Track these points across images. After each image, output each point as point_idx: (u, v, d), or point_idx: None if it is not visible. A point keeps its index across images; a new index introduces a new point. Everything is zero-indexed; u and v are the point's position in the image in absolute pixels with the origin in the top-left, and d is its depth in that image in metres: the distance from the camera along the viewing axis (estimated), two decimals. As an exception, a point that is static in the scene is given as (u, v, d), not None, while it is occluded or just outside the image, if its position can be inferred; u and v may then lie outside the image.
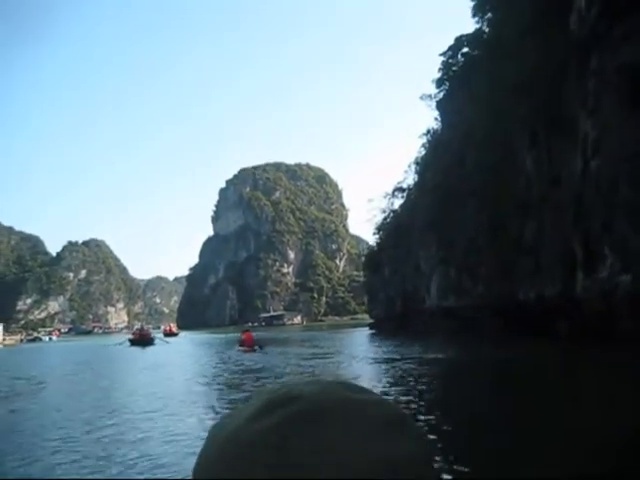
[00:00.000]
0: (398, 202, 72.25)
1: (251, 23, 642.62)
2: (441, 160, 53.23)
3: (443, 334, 43.04)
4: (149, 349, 59.51)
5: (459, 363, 24.95)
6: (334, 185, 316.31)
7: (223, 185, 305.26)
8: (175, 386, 21.88)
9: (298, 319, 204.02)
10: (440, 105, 61.48)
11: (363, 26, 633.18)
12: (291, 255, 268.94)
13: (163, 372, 29.72)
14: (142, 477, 9.08)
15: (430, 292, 54.91)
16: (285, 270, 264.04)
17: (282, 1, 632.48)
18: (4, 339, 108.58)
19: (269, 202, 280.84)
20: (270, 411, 0.65)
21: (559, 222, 29.25)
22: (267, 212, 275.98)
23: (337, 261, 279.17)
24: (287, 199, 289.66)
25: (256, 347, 42.31)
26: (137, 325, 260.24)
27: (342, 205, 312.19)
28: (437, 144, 59.65)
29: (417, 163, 67.59)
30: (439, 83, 62.04)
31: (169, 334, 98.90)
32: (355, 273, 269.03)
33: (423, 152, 66.64)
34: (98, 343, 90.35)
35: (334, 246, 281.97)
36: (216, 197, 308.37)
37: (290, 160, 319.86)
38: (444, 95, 61.05)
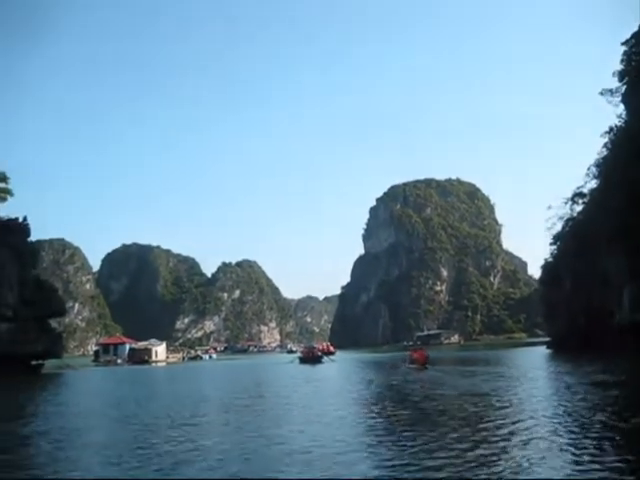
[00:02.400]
0: (574, 209, 66.88)
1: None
2: (630, 158, 47.69)
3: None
4: (318, 367, 58.26)
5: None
6: (486, 200, 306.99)
7: (373, 203, 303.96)
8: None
9: (455, 338, 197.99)
10: (626, 99, 55.53)
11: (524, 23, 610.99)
12: (444, 272, 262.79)
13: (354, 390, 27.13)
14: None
15: (622, 306, 49.20)
16: (438, 288, 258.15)
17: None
18: (167, 357, 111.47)
19: (420, 219, 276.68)
20: None
21: None
22: (418, 229, 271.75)
23: (491, 278, 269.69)
24: (438, 215, 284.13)
25: (427, 365, 41.75)
26: (289, 344, 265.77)
27: (494, 220, 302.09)
28: (622, 142, 53.82)
29: (597, 165, 61.71)
30: (621, 75, 56.28)
31: (326, 353, 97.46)
32: (510, 290, 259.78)
33: (605, 152, 60.52)
34: (266, 361, 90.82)
35: (488, 263, 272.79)
36: (366, 215, 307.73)
37: (440, 176, 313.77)
38: (627, 88, 55.27)
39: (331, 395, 26.02)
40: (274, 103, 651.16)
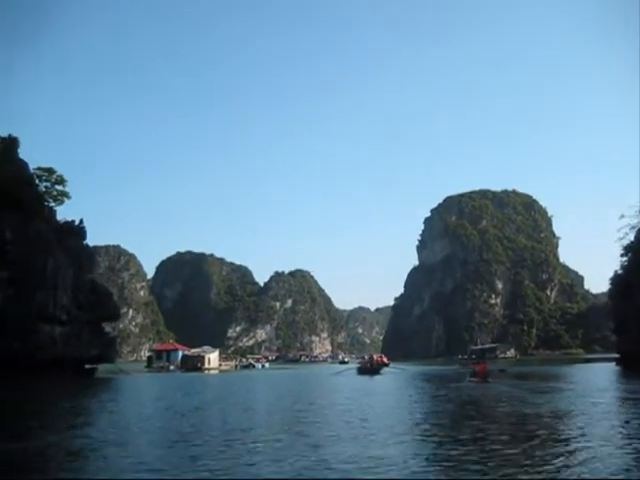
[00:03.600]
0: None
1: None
2: None
3: None
4: (377, 378, 56.77)
5: None
6: (543, 212, 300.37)
7: (428, 214, 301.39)
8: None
9: (511, 352, 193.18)
10: None
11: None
12: (499, 285, 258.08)
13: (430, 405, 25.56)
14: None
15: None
16: (493, 301, 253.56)
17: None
18: (220, 364, 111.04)
19: (475, 231, 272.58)
20: None
21: None
22: (474, 241, 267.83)
23: (547, 292, 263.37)
24: (494, 227, 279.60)
25: (489, 379, 40.88)
26: (340, 355, 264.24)
27: (552, 233, 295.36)
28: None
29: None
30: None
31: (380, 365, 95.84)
32: (567, 304, 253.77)
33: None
34: (320, 372, 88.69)
35: (544, 276, 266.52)
36: (421, 226, 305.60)
37: (496, 187, 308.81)
38: None
39: (404, 409, 24.33)
40: (334, 111, 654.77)
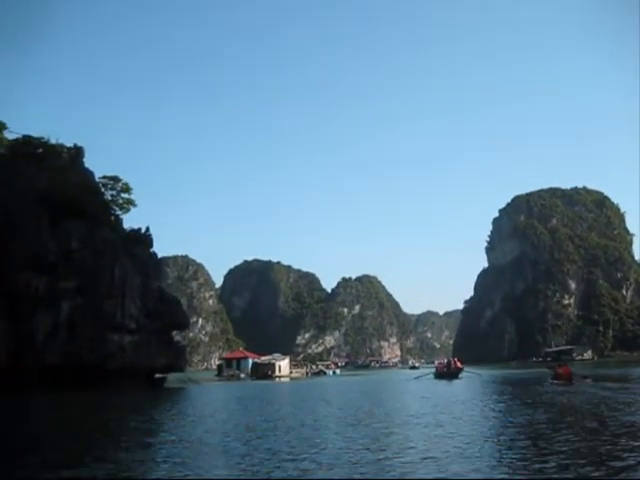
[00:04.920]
0: None
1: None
2: None
3: None
4: (456, 382, 55.47)
5: None
6: (615, 209, 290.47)
7: (496, 214, 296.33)
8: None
9: (588, 354, 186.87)
10: None
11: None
12: (572, 285, 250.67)
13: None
14: None
15: None
16: (566, 301, 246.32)
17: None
18: (291, 372, 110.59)
19: (545, 230, 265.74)
20: None
21: None
22: (544, 240, 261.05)
23: (623, 291, 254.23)
24: (565, 226, 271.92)
25: (574, 381, 40.34)
26: (410, 360, 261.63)
27: (625, 230, 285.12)
28: None
29: None
30: None
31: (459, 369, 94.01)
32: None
33: None
34: (393, 377, 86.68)
35: (619, 275, 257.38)
36: (489, 227, 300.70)
37: (565, 184, 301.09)
38: None
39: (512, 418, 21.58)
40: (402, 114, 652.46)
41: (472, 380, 58.69)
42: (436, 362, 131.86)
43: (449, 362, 74.37)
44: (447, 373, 66.32)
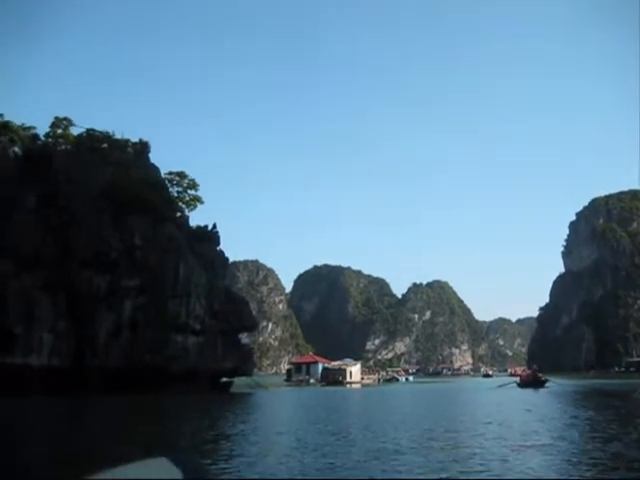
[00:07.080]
0: None
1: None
2: None
3: None
4: (542, 392, 52.68)
5: None
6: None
7: (573, 218, 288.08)
8: None
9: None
10: None
11: None
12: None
13: None
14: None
15: None
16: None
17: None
18: (362, 378, 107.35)
19: (626, 233, 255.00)
20: None
21: None
22: (624, 245, 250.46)
23: None
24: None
25: None
26: (483, 367, 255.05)
27: None
28: None
29: None
30: None
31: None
32: None
33: None
34: (469, 386, 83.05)
35: None
36: (565, 231, 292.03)
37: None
38: None
39: None
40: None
41: (559, 390, 54.57)
42: (509, 370, 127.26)
43: (534, 372, 70.54)
44: (531, 382, 63.20)
